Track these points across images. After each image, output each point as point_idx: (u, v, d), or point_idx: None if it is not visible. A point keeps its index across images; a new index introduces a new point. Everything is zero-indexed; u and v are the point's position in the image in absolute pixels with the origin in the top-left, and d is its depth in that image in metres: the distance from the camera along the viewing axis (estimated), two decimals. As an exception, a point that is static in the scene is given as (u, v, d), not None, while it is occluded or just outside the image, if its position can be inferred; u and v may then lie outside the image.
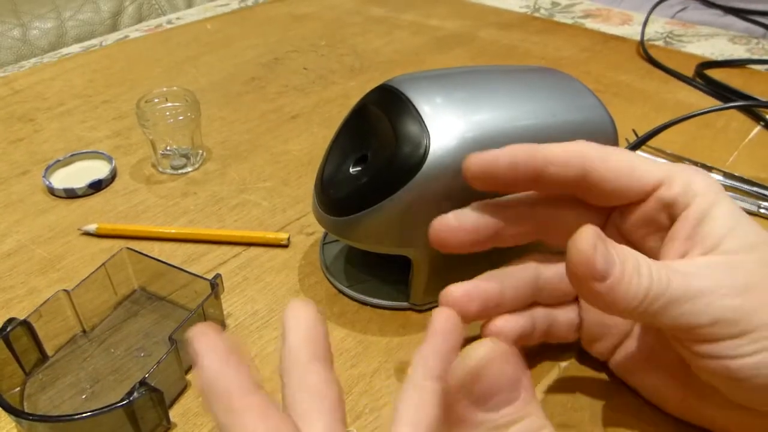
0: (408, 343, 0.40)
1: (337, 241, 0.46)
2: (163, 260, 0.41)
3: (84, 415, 0.32)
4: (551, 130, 0.38)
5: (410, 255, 0.39)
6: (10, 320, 0.36)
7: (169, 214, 0.51)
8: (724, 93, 0.69)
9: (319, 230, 0.49)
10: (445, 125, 0.36)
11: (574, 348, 0.39)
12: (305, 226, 0.49)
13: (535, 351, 0.39)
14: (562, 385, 0.37)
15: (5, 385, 0.36)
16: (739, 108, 0.65)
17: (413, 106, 0.37)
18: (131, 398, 0.32)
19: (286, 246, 0.47)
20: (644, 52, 0.79)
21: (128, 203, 0.52)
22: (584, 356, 0.38)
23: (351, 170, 0.39)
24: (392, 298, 0.42)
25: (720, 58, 0.78)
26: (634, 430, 0.34)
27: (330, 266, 0.45)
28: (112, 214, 0.51)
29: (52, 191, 0.53)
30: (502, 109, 0.38)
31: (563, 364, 0.38)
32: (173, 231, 0.48)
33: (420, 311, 0.42)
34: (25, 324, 0.37)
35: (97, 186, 0.54)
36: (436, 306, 0.40)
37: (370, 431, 0.34)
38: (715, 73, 0.74)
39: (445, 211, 0.36)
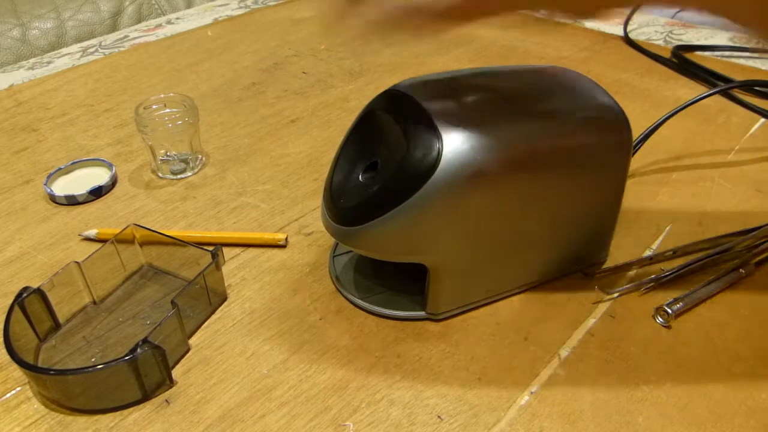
0: (406, 341, 0.40)
1: (348, 252, 0.45)
2: (169, 235, 0.43)
3: (90, 368, 0.34)
4: (566, 129, 0.37)
5: (427, 263, 0.37)
6: (25, 288, 0.38)
7: (169, 219, 0.51)
8: (701, 74, 0.72)
9: (318, 230, 0.49)
10: (458, 128, 0.34)
11: (574, 337, 0.39)
12: (303, 227, 0.49)
13: (535, 341, 0.39)
14: (563, 375, 0.37)
15: (21, 350, 0.37)
16: (721, 92, 0.66)
17: (423, 109, 0.35)
18: (135, 354, 0.34)
19: (284, 246, 0.47)
20: (627, 39, 0.83)
21: (128, 208, 0.53)
22: (584, 345, 0.38)
23: (361, 178, 0.37)
24: (408, 309, 0.40)
25: (718, 55, 0.78)
26: (635, 415, 0.34)
27: (341, 278, 0.43)
28: (112, 219, 0.52)
29: (53, 199, 0.54)
30: (516, 109, 0.36)
31: (563, 353, 0.38)
32: (172, 234, 0.48)
33: (437, 320, 0.40)
34: (39, 292, 0.39)
35: (97, 192, 0.54)
36: (455, 315, 0.40)
37: (366, 425, 0.34)
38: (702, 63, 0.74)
39: (463, 216, 0.35)
